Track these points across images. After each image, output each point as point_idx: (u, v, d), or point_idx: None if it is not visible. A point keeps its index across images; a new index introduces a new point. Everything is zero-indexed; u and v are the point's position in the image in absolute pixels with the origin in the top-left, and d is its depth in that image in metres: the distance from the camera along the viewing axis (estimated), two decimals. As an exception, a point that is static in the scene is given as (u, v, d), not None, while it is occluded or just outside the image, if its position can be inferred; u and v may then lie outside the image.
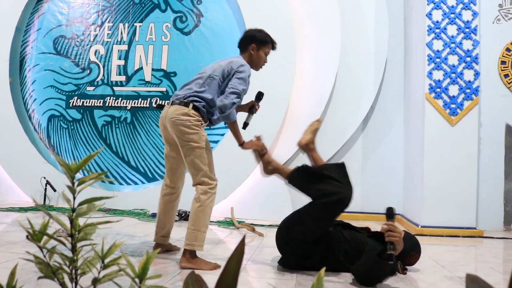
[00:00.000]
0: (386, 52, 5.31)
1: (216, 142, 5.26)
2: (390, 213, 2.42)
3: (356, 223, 5.18)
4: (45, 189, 5.30)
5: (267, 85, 5.03)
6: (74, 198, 1.29)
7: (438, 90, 4.45)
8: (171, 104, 2.85)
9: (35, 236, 1.30)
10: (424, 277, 2.64)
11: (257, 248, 3.44)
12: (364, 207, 5.41)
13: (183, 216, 4.72)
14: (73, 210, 1.32)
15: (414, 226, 4.50)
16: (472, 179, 4.40)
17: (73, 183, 1.27)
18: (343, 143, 5.29)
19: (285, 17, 5.09)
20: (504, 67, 4.81)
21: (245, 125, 3.08)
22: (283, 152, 5.14)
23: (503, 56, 4.81)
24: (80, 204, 1.29)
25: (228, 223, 4.66)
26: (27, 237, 1.25)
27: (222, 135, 5.24)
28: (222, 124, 5.22)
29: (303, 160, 5.23)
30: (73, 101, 5.60)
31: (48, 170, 5.44)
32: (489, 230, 4.68)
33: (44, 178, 5.31)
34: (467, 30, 4.47)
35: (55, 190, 5.32)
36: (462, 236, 4.30)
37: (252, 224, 4.60)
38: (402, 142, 5.39)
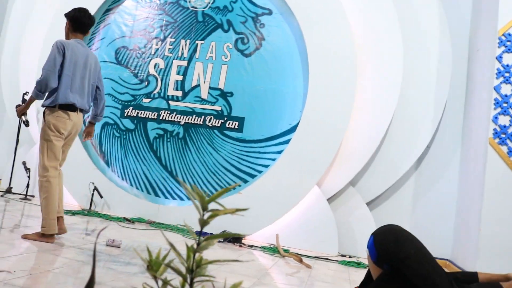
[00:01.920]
0: (447, 92, 5.20)
1: (267, 166, 5.23)
2: None
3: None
4: (92, 195, 5.35)
5: (324, 114, 5.01)
6: (201, 230, 1.24)
7: (503, 136, 4.32)
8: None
9: (152, 266, 1.27)
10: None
11: (307, 281, 3.34)
12: (410, 248, 5.24)
13: (227, 238, 4.68)
14: (198, 243, 1.27)
15: (466, 274, 4.32)
16: (532, 231, 4.22)
17: (203, 215, 1.22)
18: (395, 180, 5.17)
19: (347, 48, 5.07)
20: None
21: None
22: (333, 185, 5.07)
23: None
24: (206, 239, 1.24)
25: (273, 250, 4.58)
26: (147, 268, 1.21)
27: (274, 160, 5.20)
28: (274, 149, 5.21)
29: (352, 194, 5.16)
30: (128, 111, 5.68)
31: (97, 176, 5.50)
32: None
33: (93, 183, 5.36)
34: (539, 77, 4.35)
35: (101, 197, 5.37)
36: (519, 291, 4.09)
37: (298, 254, 4.53)
38: (456, 185, 5.24)
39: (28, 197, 5.45)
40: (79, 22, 3.55)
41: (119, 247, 3.45)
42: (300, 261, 4.06)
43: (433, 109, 5.23)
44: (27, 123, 5.02)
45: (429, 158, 5.31)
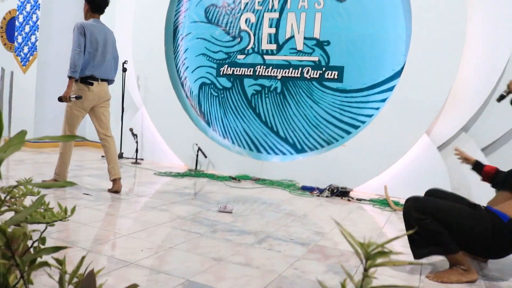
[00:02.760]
0: None
1: (370, 116, 5.02)
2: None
3: None
4: (197, 155, 5.51)
5: (431, 57, 4.64)
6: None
7: None
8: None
9: None
10: None
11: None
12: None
13: (335, 192, 4.63)
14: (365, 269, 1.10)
15: None
16: None
17: (365, 268, 0.91)
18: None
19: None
20: None
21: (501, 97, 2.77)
22: (444, 132, 4.77)
23: None
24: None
25: (382, 202, 4.47)
26: None
27: (377, 109, 4.98)
28: (378, 97, 4.98)
29: (465, 140, 4.82)
30: (224, 70, 5.67)
31: (199, 137, 5.63)
32: None
33: (196, 145, 5.51)
34: None
35: (206, 157, 5.52)
36: None
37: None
38: None
39: (138, 161, 5.74)
40: (96, 4, 4.00)
41: (231, 213, 3.52)
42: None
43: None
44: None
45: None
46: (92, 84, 3.94)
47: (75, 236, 2.62)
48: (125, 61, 5.84)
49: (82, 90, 3.90)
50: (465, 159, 2.88)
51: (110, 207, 3.48)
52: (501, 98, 2.74)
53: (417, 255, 2.41)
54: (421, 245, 2.38)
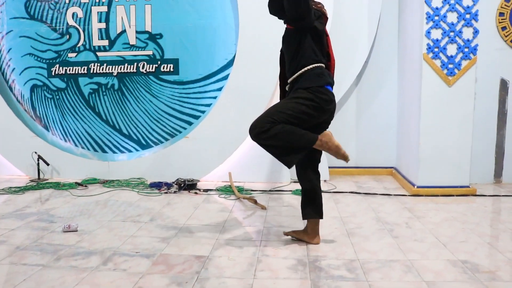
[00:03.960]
0: (379, 6, 5.11)
1: (209, 105, 5.15)
2: None
3: (351, 178, 5.31)
4: (38, 164, 5.21)
5: (259, 45, 4.83)
6: None
7: (436, 50, 4.35)
8: None
9: None
10: (430, 264, 2.71)
11: (263, 228, 3.46)
12: (358, 162, 5.50)
13: (182, 186, 4.74)
14: None
15: (410, 185, 4.62)
16: (467, 138, 4.44)
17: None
18: (337, 99, 5.22)
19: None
20: (502, 19, 4.69)
21: None
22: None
23: (501, 7, 4.67)
24: None
25: (228, 190, 4.70)
26: None
27: (215, 98, 5.12)
28: (215, 86, 5.11)
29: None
30: (55, 69, 5.33)
31: (38, 143, 5.31)
32: (481, 183, 4.85)
33: (36, 153, 5.20)
34: (467, -16, 4.28)
35: (48, 164, 5.24)
36: (456, 195, 4.44)
37: (251, 190, 4.68)
38: (396, 98, 5.38)
39: None
40: None
41: (76, 231, 3.43)
42: (255, 202, 4.20)
43: (367, 24, 5.17)
44: None
45: (368, 73, 5.36)
46: None
47: None
48: None
49: None
50: None
51: None
52: None
53: (289, 162, 2.88)
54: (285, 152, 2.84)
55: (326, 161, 5.08)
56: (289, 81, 2.98)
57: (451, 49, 4.34)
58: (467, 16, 4.29)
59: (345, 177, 5.39)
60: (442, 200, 4.29)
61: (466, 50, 4.32)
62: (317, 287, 2.37)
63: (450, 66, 4.34)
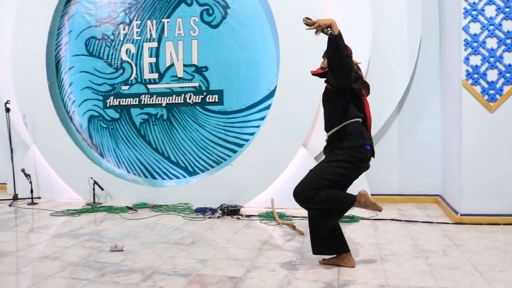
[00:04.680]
0: (420, 33, 5.15)
1: (252, 134, 5.34)
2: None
3: (395, 206, 5.26)
4: (93, 188, 5.58)
5: (299, 75, 4.99)
6: None
7: (475, 76, 4.32)
8: None
9: None
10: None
11: (298, 253, 3.55)
12: (402, 190, 5.45)
13: (226, 212, 4.91)
14: None
15: (453, 213, 4.53)
16: (511, 165, 4.33)
17: None
18: (379, 128, 5.26)
19: (313, 4, 4.95)
20: (546, 44, 4.59)
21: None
22: (318, 143, 5.17)
23: (545, 31, 4.58)
24: None
25: (270, 216, 4.81)
26: None
27: (258, 126, 5.30)
28: (258, 116, 5.29)
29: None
30: (110, 101, 5.76)
31: (94, 169, 5.70)
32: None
33: (92, 178, 5.58)
34: (507, 10, 4.25)
35: (102, 189, 5.61)
36: (503, 224, 4.30)
37: (292, 216, 4.76)
38: (439, 123, 5.32)
39: (34, 200, 5.71)
40: None
41: (122, 251, 3.68)
42: (294, 228, 4.29)
43: (408, 51, 5.21)
44: None
45: (410, 100, 5.36)
46: None
47: None
48: (7, 101, 5.76)
49: None
50: (318, 26, 2.91)
51: (-11, 266, 3.51)
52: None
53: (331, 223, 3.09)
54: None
55: (368, 188, 5.09)
56: (327, 135, 3.21)
57: (492, 75, 4.29)
58: (508, 41, 4.25)
59: (388, 204, 5.35)
60: (487, 229, 4.18)
61: (508, 75, 4.26)
62: (341, 310, 2.43)
63: (491, 92, 4.29)
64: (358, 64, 3.33)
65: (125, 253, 3.62)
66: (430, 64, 5.28)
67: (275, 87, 5.18)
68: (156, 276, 3.05)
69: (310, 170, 3.13)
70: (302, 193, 3.00)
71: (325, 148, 3.25)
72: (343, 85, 3.02)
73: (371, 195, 5.18)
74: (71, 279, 3.04)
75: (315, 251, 3.20)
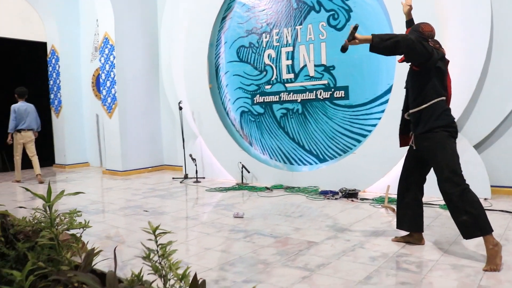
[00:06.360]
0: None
1: (374, 125, 5.86)
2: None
3: None
4: (242, 171, 6.79)
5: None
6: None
7: None
8: None
9: None
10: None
11: (379, 231, 4.06)
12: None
13: (344, 194, 5.56)
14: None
15: None
16: None
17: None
18: (501, 119, 5.23)
19: (430, 8, 5.22)
20: None
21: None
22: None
23: None
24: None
25: (382, 200, 5.30)
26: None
27: (379, 118, 5.80)
28: (379, 109, 5.79)
29: (458, 138, 5.39)
30: (256, 99, 6.88)
31: (244, 156, 6.91)
32: None
33: (240, 162, 6.79)
34: None
35: (248, 172, 6.77)
36: None
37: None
38: None
39: (198, 179, 7.20)
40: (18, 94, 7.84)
41: (242, 217, 4.71)
42: (393, 211, 4.76)
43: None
44: None
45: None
46: (20, 131, 7.75)
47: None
48: (180, 101, 7.34)
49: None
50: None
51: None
52: (344, 49, 3.45)
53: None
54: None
55: (487, 179, 5.16)
56: (412, 111, 3.44)
57: None
58: None
59: (511, 197, 5.31)
60: None
61: None
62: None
63: None
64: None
65: (244, 219, 4.64)
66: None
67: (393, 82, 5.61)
68: (255, 236, 3.99)
69: (436, 157, 3.26)
70: (455, 177, 3.13)
71: (414, 125, 3.43)
72: (422, 60, 3.19)
73: (492, 186, 5.23)
74: (196, 232, 4.19)
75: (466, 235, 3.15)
